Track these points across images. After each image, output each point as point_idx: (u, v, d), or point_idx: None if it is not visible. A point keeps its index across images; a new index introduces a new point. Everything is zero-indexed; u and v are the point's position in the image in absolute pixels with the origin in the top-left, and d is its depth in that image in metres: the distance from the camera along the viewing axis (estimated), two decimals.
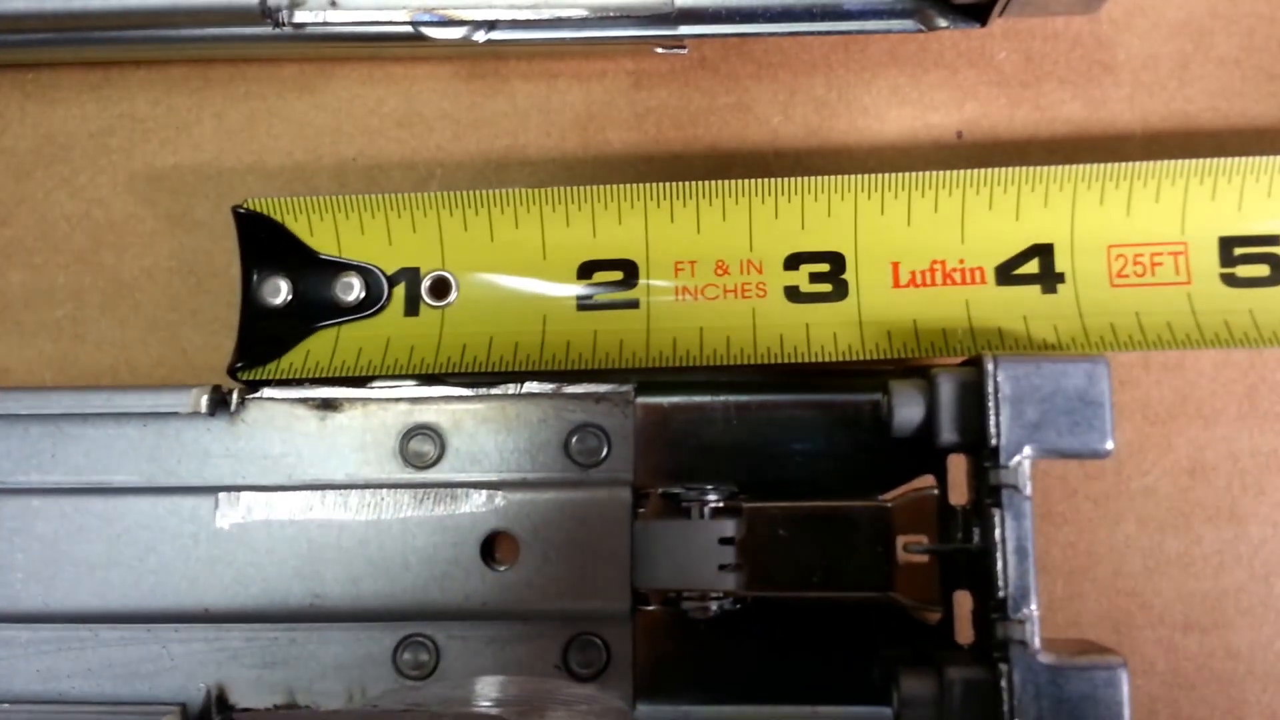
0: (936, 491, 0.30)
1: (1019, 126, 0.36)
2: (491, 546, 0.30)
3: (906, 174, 0.32)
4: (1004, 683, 0.26)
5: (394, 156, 0.36)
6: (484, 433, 0.31)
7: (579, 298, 0.31)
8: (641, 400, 0.31)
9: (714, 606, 0.29)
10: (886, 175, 0.31)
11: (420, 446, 0.31)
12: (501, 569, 0.30)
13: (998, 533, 0.27)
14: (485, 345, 0.31)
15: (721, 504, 0.30)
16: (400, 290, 0.32)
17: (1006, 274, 0.31)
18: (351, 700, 0.29)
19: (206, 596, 0.30)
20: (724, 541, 0.30)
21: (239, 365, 0.31)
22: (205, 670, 0.29)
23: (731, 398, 0.31)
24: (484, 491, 0.30)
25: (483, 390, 0.31)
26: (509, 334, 0.31)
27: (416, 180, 0.36)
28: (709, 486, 0.30)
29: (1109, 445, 0.27)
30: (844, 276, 0.31)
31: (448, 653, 0.30)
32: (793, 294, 0.31)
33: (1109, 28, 0.36)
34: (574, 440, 0.31)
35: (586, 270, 0.32)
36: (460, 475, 0.30)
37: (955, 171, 0.31)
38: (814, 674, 0.30)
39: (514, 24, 0.33)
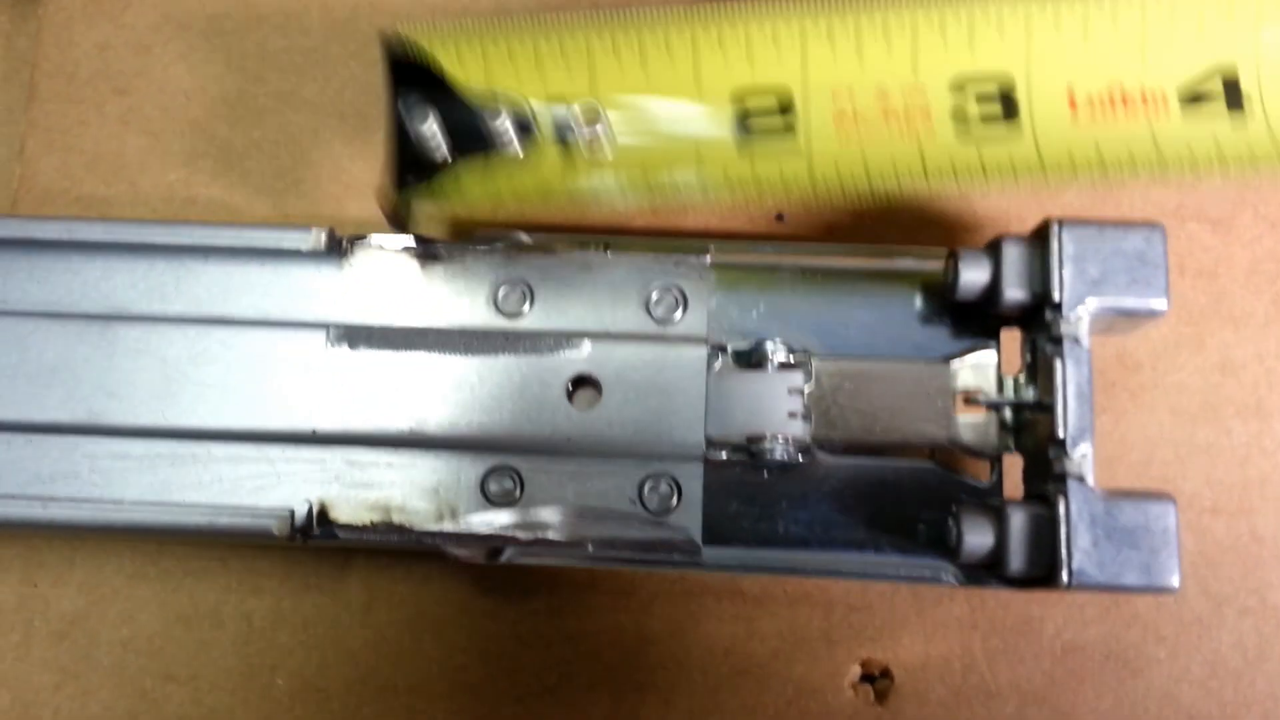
0: (994, 354, 0.31)
1: None
2: (576, 389, 0.31)
3: None
4: (1061, 510, 0.27)
5: None
6: (570, 287, 0.31)
7: (735, 131, 0.29)
8: (717, 261, 0.31)
9: (780, 450, 0.30)
10: None
11: (512, 296, 0.31)
12: (585, 410, 0.31)
13: (1059, 377, 0.28)
14: (641, 180, 0.29)
15: (790, 358, 0.31)
16: (548, 120, 0.29)
17: (1189, 98, 0.28)
18: (441, 521, 0.30)
19: (314, 419, 0.30)
20: (792, 391, 0.30)
21: (394, 196, 0.30)
22: (308, 487, 0.30)
23: (801, 261, 0.31)
24: (570, 339, 0.31)
25: (570, 249, 0.32)
26: (663, 168, 0.29)
27: None
28: (779, 340, 0.31)
29: (1164, 304, 0.28)
30: (1016, 98, 0.28)
31: (531, 483, 0.30)
32: (960, 119, 0.28)
33: None
34: (654, 297, 0.31)
35: (740, 98, 0.29)
36: (548, 325, 0.31)
37: None
38: (871, 526, 0.31)
39: None
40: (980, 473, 0.32)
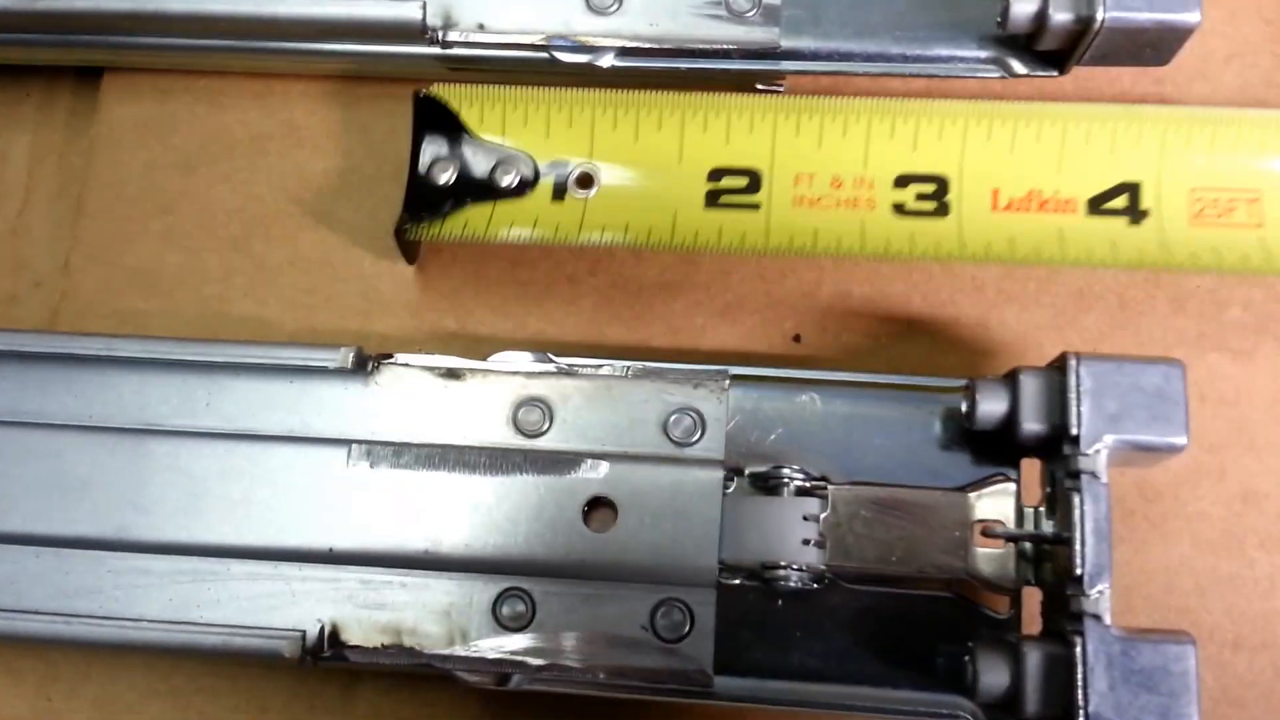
0: (1014, 485, 0.30)
1: None
2: (592, 511, 0.30)
3: (1014, 103, 0.33)
4: (1078, 651, 0.26)
5: None
6: (589, 408, 0.31)
7: (707, 197, 0.33)
8: (734, 389, 0.31)
9: (795, 578, 0.29)
10: (997, 103, 0.33)
11: (531, 416, 0.31)
12: (600, 532, 0.30)
13: (1076, 514, 0.27)
14: (621, 230, 0.33)
15: (806, 484, 0.30)
16: (550, 178, 0.33)
17: (1096, 206, 0.32)
18: (451, 644, 0.29)
19: (332, 538, 0.30)
20: (808, 518, 0.30)
21: (406, 226, 0.33)
22: (322, 607, 0.30)
23: (818, 390, 0.31)
24: (587, 460, 0.31)
25: (590, 370, 0.31)
26: (642, 223, 0.33)
27: None
28: (795, 467, 0.30)
29: (1184, 439, 0.27)
30: (947, 198, 0.32)
31: (543, 607, 0.30)
32: (899, 210, 0.32)
33: (1172, 89, 0.37)
34: (671, 420, 0.31)
35: (716, 175, 0.33)
36: (566, 445, 0.31)
37: (1058, 105, 0.33)
38: (887, 660, 0.30)
39: (638, 53, 0.35)
40: (999, 604, 0.31)
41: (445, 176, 0.33)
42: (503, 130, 0.33)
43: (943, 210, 0.32)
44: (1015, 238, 0.31)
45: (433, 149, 0.33)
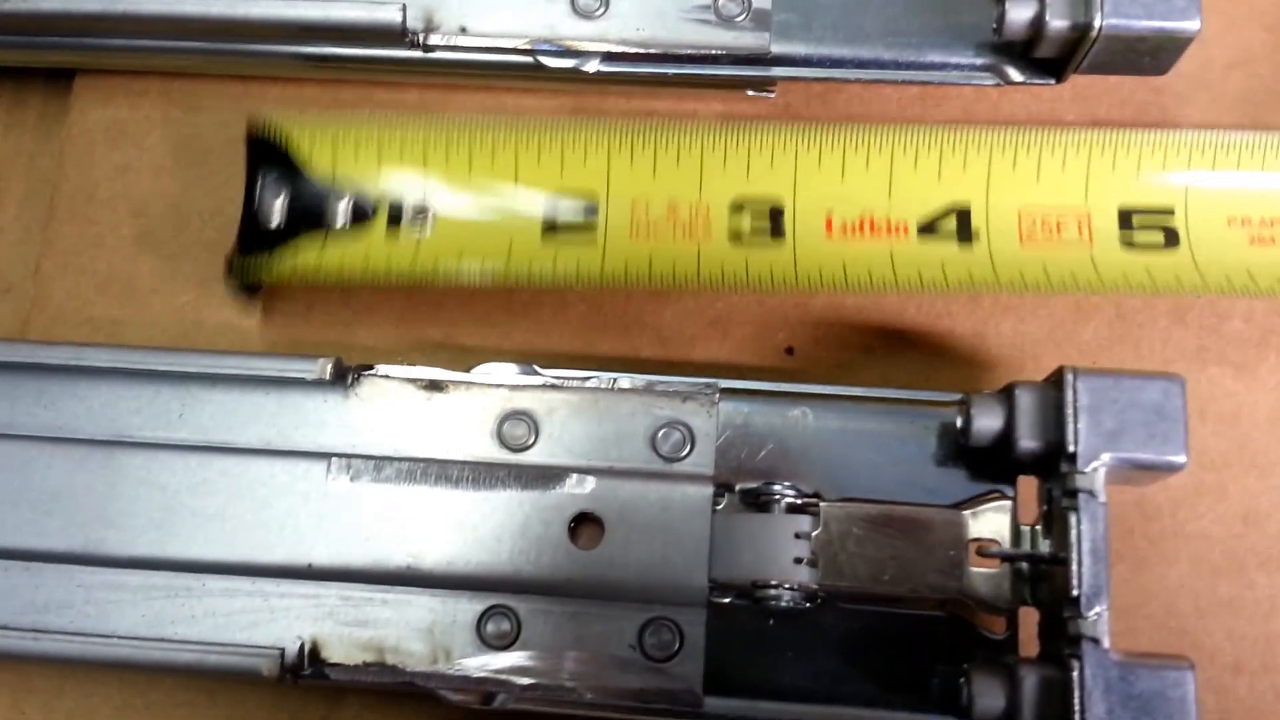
0: (1010, 503, 0.30)
1: None
2: (578, 527, 0.30)
3: (841, 126, 0.33)
4: (1075, 675, 0.26)
5: None
6: (576, 422, 0.31)
7: (543, 227, 0.33)
8: (724, 402, 0.31)
9: (786, 597, 0.29)
10: (823, 127, 0.33)
11: (516, 430, 0.31)
12: (586, 549, 0.30)
13: (1073, 534, 0.27)
14: (456, 261, 0.33)
15: (798, 501, 0.30)
16: (383, 212, 0.33)
17: (927, 229, 0.32)
18: (435, 663, 0.29)
19: (311, 553, 0.30)
20: (799, 536, 0.30)
21: (236, 262, 0.33)
22: (301, 624, 0.29)
23: (810, 405, 0.31)
24: (574, 475, 0.30)
25: (576, 382, 0.31)
26: (478, 254, 0.33)
27: None
28: (786, 484, 0.30)
29: (1183, 458, 0.27)
30: (781, 224, 0.32)
31: (529, 625, 0.29)
32: (735, 237, 0.32)
33: (1172, 100, 0.37)
34: (660, 434, 0.31)
35: (552, 204, 0.33)
36: (552, 459, 0.31)
37: (884, 128, 0.33)
38: (880, 681, 0.30)
39: (625, 57, 0.34)
40: (995, 625, 0.30)
41: (278, 210, 0.33)
42: (334, 159, 0.33)
43: (778, 231, 0.32)
44: (848, 263, 0.32)
45: (266, 182, 0.33)
